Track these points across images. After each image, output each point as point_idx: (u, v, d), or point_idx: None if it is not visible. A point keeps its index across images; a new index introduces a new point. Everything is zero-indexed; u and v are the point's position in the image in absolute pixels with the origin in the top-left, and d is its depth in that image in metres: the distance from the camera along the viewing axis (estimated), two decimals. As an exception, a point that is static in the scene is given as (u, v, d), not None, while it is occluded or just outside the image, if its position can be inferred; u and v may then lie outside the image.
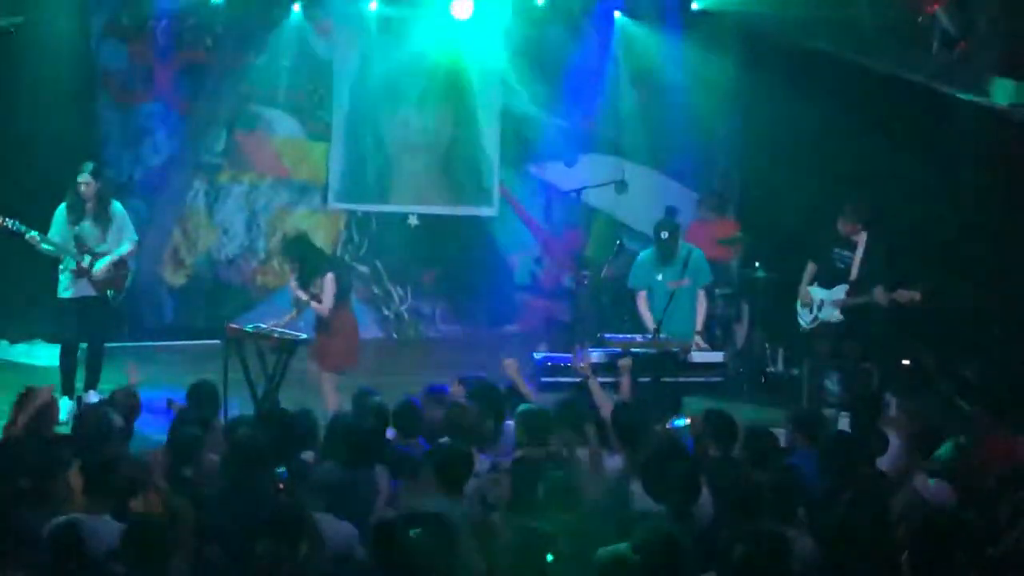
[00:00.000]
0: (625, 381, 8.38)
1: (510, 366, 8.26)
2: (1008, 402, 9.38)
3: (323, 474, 6.50)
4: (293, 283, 9.60)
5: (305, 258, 9.59)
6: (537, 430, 7.06)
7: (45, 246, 9.87)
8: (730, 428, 7.37)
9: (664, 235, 9.98)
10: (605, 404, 7.83)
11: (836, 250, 10.29)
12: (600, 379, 8.34)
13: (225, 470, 6.56)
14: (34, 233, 9.81)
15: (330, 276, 9.51)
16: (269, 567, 5.25)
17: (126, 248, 10.09)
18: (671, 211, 12.14)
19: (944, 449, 7.20)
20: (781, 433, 7.61)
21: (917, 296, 9.90)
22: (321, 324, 9.56)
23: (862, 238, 10.20)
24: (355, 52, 13.28)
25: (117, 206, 10.16)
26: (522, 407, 7.35)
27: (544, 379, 9.13)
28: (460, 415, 7.27)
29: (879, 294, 9.98)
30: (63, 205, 9.97)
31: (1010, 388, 10.25)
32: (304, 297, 9.49)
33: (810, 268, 10.44)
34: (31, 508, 5.98)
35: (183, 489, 6.33)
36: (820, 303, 10.29)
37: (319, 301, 9.44)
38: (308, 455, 6.97)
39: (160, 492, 6.22)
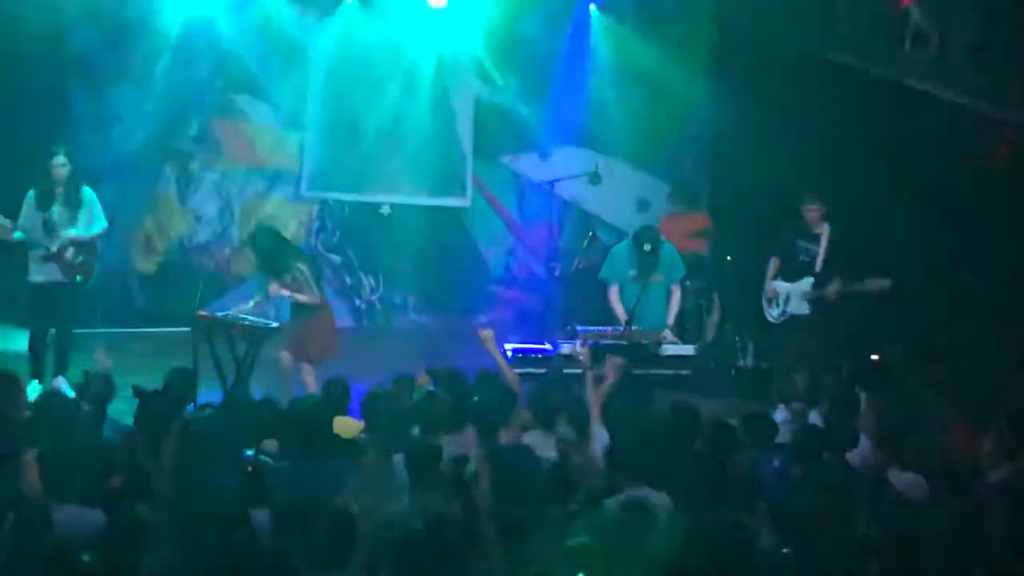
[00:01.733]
0: (611, 377, 8.39)
1: (487, 337, 8.26)
2: (975, 396, 9.43)
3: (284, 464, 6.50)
4: (274, 287, 9.53)
5: (274, 252, 9.59)
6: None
7: (16, 233, 9.82)
8: (694, 421, 7.43)
9: (647, 247, 10.00)
10: (596, 397, 7.82)
11: (800, 243, 10.32)
12: (566, 370, 8.37)
13: (183, 457, 6.54)
14: (3, 218, 9.76)
15: (303, 267, 9.52)
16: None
17: (94, 231, 10.04)
18: (644, 205, 12.16)
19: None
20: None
21: (887, 283, 9.95)
22: (300, 314, 9.55)
23: (824, 230, 10.24)
24: (330, 40, 13.24)
25: (87, 191, 10.12)
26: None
27: (516, 370, 9.12)
28: (429, 405, 7.25)
29: (831, 291, 10.01)
30: (32, 191, 9.92)
31: (977, 383, 10.31)
32: (287, 294, 9.49)
33: (774, 263, 10.47)
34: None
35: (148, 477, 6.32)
36: (787, 297, 10.32)
37: (301, 292, 9.46)
38: (271, 444, 6.96)
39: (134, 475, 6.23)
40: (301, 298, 9.50)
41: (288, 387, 9.36)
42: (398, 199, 13.74)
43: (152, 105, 12.66)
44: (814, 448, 7.03)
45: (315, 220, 13.63)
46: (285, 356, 9.56)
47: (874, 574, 5.53)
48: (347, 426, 7.43)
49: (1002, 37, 11.31)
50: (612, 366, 8.54)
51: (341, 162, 13.55)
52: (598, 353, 9.11)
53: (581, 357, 8.38)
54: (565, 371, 9.33)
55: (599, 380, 8.27)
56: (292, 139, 13.46)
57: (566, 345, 9.19)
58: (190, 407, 7.89)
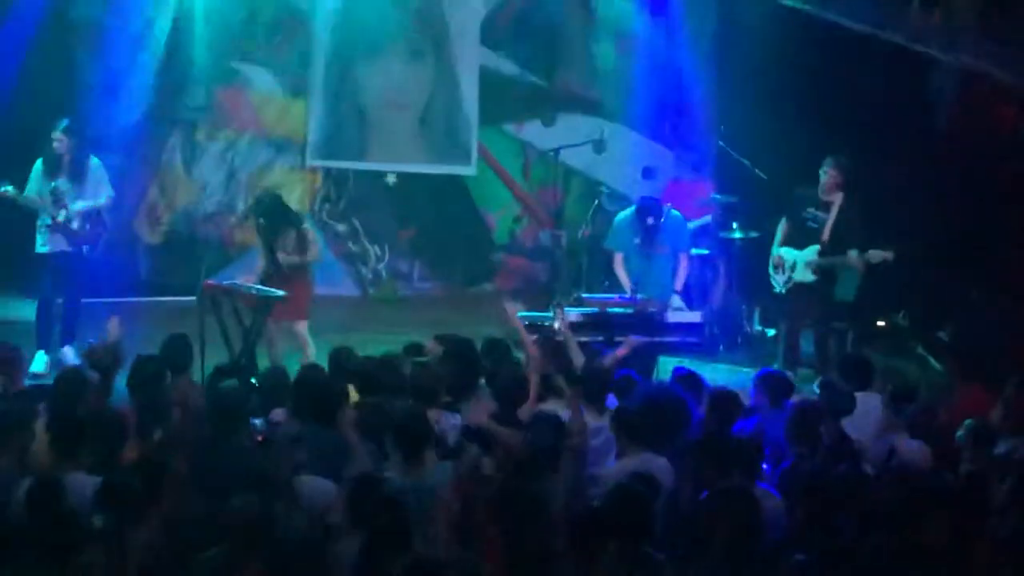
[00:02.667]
0: (621, 353, 8.40)
1: (511, 310, 8.25)
2: (980, 361, 9.44)
3: (294, 433, 6.51)
4: (282, 256, 9.55)
5: (276, 215, 9.63)
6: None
7: (21, 201, 9.83)
8: (697, 387, 7.44)
9: (650, 220, 9.99)
10: (579, 361, 7.86)
11: (810, 210, 10.29)
12: (579, 338, 8.38)
13: (204, 424, 6.57)
14: (9, 188, 9.77)
15: (307, 228, 9.66)
16: (244, 524, 5.27)
17: (102, 201, 10.05)
18: (649, 172, 12.14)
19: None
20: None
21: (889, 256, 9.94)
22: (283, 278, 9.54)
23: (838, 199, 10.20)
24: (334, 7, 13.19)
25: (95, 161, 10.13)
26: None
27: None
28: (422, 375, 7.23)
29: (853, 259, 10.00)
30: (39, 161, 9.93)
31: (982, 347, 10.32)
32: (297, 259, 9.51)
33: (784, 227, 10.44)
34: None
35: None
36: (793, 264, 10.31)
37: (305, 253, 9.51)
38: (279, 413, 6.98)
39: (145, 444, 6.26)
40: (308, 258, 9.55)
41: (277, 351, 9.40)
42: (403, 168, 13.72)
43: (156, 74, 12.63)
44: (805, 418, 7.01)
45: (320, 189, 13.61)
46: (273, 323, 9.58)
47: (880, 542, 5.54)
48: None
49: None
50: (628, 344, 8.53)
51: (346, 131, 13.52)
52: (604, 321, 9.12)
53: (558, 325, 8.40)
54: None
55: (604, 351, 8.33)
56: (297, 108, 13.44)
57: (572, 313, 9.18)
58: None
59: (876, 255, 9.94)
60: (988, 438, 6.91)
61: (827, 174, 10.11)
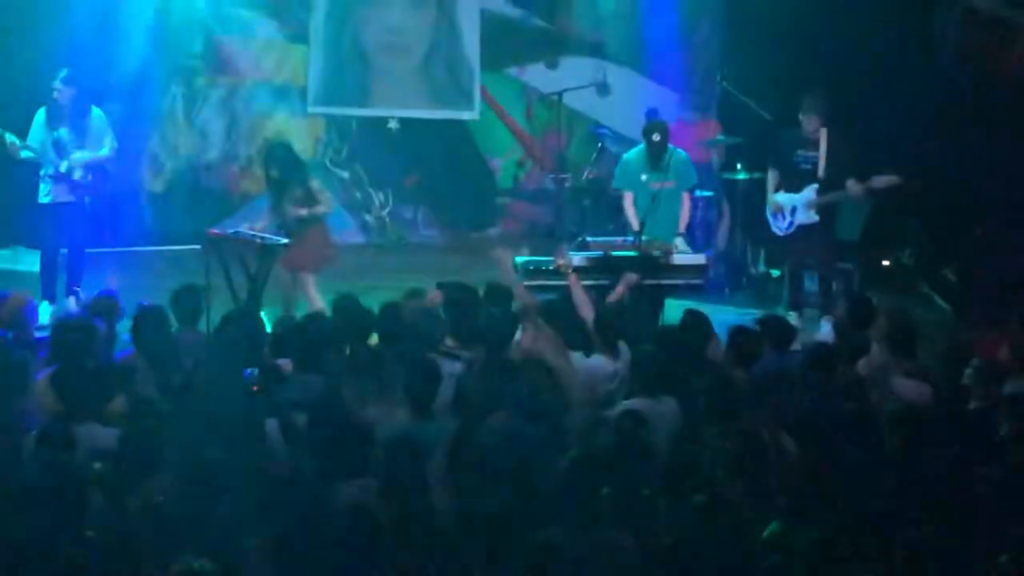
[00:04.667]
0: (620, 291, 8.41)
1: (504, 257, 8.27)
2: (987, 300, 9.43)
3: (300, 383, 6.53)
4: (291, 209, 9.52)
5: (287, 167, 9.60)
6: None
7: (24, 152, 9.82)
8: (706, 329, 7.45)
9: (656, 137, 9.96)
10: (585, 305, 7.88)
11: (799, 152, 10.25)
12: (584, 282, 8.39)
13: (203, 373, 6.59)
14: (13, 138, 9.75)
15: (315, 181, 9.65)
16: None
17: (103, 152, 10.04)
18: (652, 113, 12.07)
19: None
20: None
21: (895, 179, 9.91)
22: (292, 229, 9.54)
23: (823, 135, 10.16)
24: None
25: (96, 112, 10.11)
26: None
27: (527, 283, 9.11)
28: (423, 320, 7.23)
29: (852, 186, 9.98)
30: (41, 110, 9.92)
31: (989, 286, 10.31)
32: (305, 213, 9.50)
33: (772, 176, 10.42)
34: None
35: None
36: (792, 208, 10.28)
37: (316, 205, 9.50)
38: (285, 362, 6.99)
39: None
40: (320, 209, 9.54)
41: (290, 302, 9.41)
42: (406, 113, 13.66)
43: (156, 21, 12.56)
44: (827, 358, 7.02)
45: (322, 136, 13.56)
46: (285, 274, 9.58)
47: (887, 487, 5.56)
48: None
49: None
50: (625, 281, 8.54)
51: (347, 76, 13.45)
52: (609, 264, 9.11)
53: (560, 263, 8.45)
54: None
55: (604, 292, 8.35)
56: (297, 54, 13.36)
57: (577, 257, 9.17)
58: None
59: (880, 180, 9.92)
60: (996, 376, 6.91)
61: (806, 117, 10.08)
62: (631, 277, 8.61)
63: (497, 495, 5.22)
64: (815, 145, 10.16)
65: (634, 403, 6.49)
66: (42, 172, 9.91)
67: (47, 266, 10.00)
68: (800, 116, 10.14)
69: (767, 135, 11.16)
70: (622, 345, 7.33)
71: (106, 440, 5.84)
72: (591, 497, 5.19)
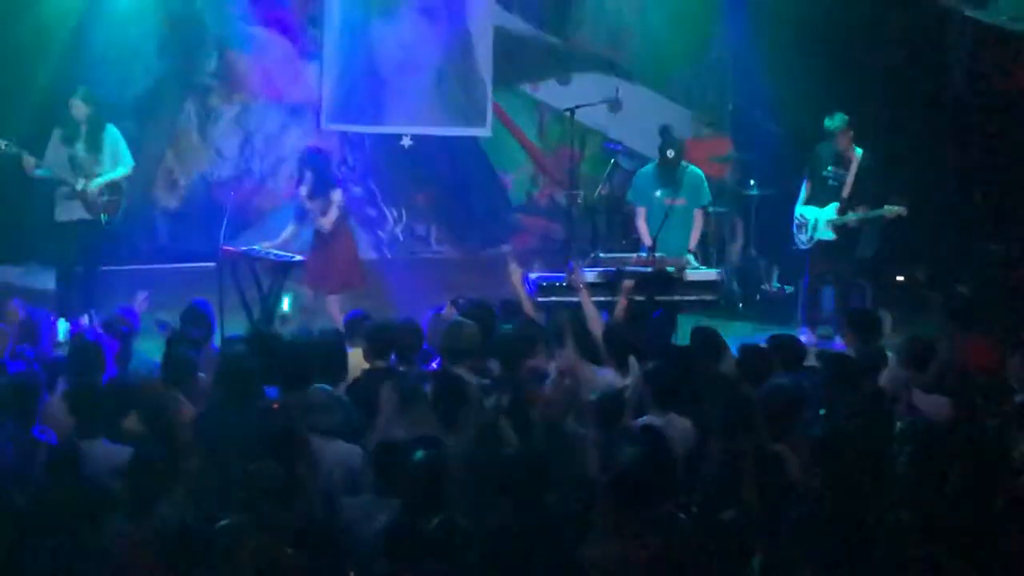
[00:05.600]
0: (623, 301, 8.42)
1: (514, 272, 8.29)
2: (998, 315, 9.41)
3: (319, 396, 6.52)
4: (303, 190, 9.57)
5: (320, 170, 9.64)
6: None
7: (39, 170, 9.86)
8: (717, 345, 7.44)
9: (671, 153, 9.98)
10: (595, 319, 7.89)
11: (831, 167, 10.27)
12: (595, 298, 8.41)
13: (217, 389, 6.59)
14: (29, 156, 9.79)
15: (338, 192, 9.59)
16: (264, 488, 5.29)
17: (121, 172, 10.08)
18: (667, 129, 12.08)
19: None
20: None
21: (903, 211, 9.95)
22: (321, 246, 9.57)
23: (855, 155, 10.18)
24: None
25: (111, 130, 10.15)
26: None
27: (540, 299, 9.12)
28: (457, 334, 7.23)
29: (851, 219, 10.06)
30: (57, 127, 9.96)
31: (1001, 302, 10.29)
32: (311, 207, 9.52)
33: (806, 187, 10.43)
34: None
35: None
36: (814, 223, 10.28)
37: (324, 214, 9.50)
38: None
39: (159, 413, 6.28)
40: (320, 219, 9.55)
41: (312, 320, 9.41)
42: (419, 130, 13.68)
43: (170, 39, 12.60)
44: (846, 373, 7.00)
45: (336, 153, 13.58)
46: (310, 291, 9.60)
47: (902, 499, 5.54)
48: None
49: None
50: (624, 289, 8.55)
51: (360, 94, 13.47)
52: (622, 280, 9.10)
53: (573, 277, 8.48)
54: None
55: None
56: (311, 71, 13.39)
57: (589, 273, 9.17)
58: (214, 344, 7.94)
59: (890, 211, 9.96)
60: (1006, 390, 6.90)
61: (841, 134, 10.09)
62: (628, 284, 8.63)
63: (512, 511, 5.22)
64: (847, 163, 10.17)
65: (648, 419, 6.47)
66: (57, 190, 9.95)
67: (62, 284, 10.02)
68: (834, 131, 10.12)
69: (782, 151, 11.16)
70: (632, 360, 7.32)
71: (119, 457, 5.84)
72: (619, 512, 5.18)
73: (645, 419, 6.47)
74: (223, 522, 5.16)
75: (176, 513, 5.27)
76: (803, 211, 10.37)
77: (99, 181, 9.90)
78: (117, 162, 10.07)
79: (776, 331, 8.60)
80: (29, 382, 6.44)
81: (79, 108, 9.87)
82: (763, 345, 7.50)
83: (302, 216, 9.74)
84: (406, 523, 5.13)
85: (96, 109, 10.00)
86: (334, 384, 6.67)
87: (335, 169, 10.14)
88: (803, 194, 10.44)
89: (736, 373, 7.22)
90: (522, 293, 8.25)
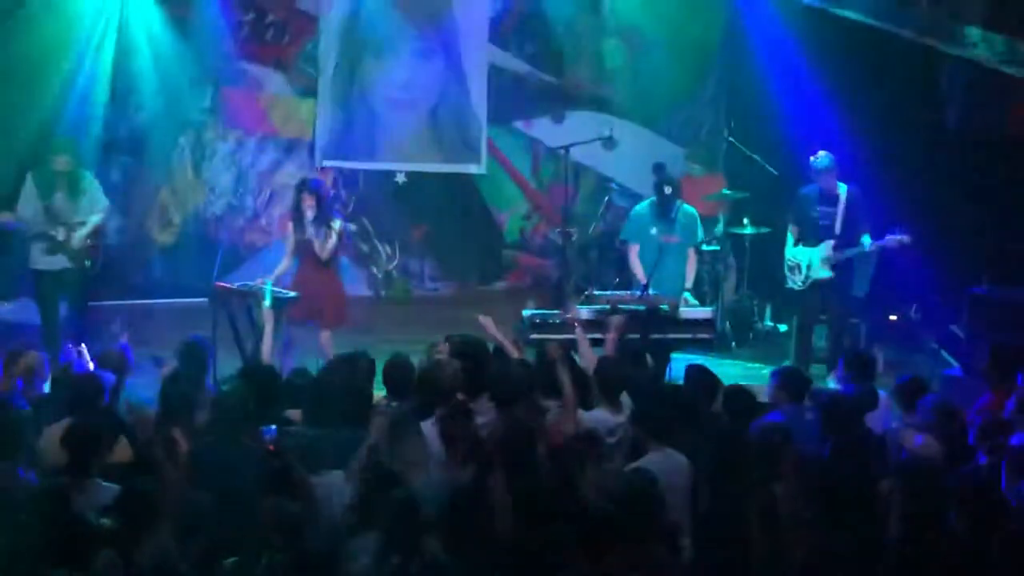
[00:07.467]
0: (612, 338, 8.41)
1: (487, 323, 8.31)
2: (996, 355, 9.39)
3: (309, 436, 6.50)
4: (309, 212, 9.54)
5: (322, 197, 9.65)
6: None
7: (14, 224, 9.75)
8: (711, 384, 7.43)
9: (668, 189, 10.00)
10: (590, 358, 7.87)
11: (819, 207, 10.27)
12: (589, 336, 8.40)
13: (212, 428, 6.57)
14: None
15: (338, 222, 9.67)
16: (273, 524, 5.28)
17: (97, 218, 9.93)
18: (661, 167, 12.11)
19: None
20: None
21: (907, 239, 9.95)
22: (317, 282, 9.55)
23: (841, 191, 10.19)
24: (342, 7, 13.19)
25: (88, 176, 10.04)
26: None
27: (533, 336, 9.11)
28: (435, 372, 7.21)
29: (869, 246, 10.06)
30: (29, 176, 9.81)
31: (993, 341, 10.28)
32: (311, 233, 9.50)
33: (793, 230, 10.43)
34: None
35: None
36: (808, 264, 10.27)
37: (323, 242, 9.49)
38: (294, 414, 6.97)
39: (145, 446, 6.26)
40: (317, 245, 9.52)
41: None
42: (413, 167, 13.71)
43: (165, 75, 12.61)
44: (839, 412, 6.99)
45: (330, 189, 13.59)
46: (297, 323, 9.57)
47: (895, 537, 5.52)
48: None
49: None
50: (614, 327, 8.53)
51: (355, 131, 13.51)
52: (614, 315, 9.10)
53: (569, 317, 8.47)
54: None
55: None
56: (305, 108, 13.43)
57: (584, 311, 9.16)
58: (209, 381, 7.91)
59: (892, 240, 9.96)
60: (1003, 430, 6.88)
61: (825, 174, 10.11)
62: (618, 320, 8.62)
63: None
64: (834, 201, 10.18)
65: (644, 460, 6.45)
66: (33, 242, 9.77)
67: (47, 326, 9.90)
68: (821, 170, 10.14)
69: (776, 190, 11.18)
70: (624, 398, 7.30)
71: (109, 494, 5.82)
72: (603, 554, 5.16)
73: (643, 460, 6.45)
74: (230, 559, 5.14)
75: (165, 549, 5.24)
76: (793, 253, 10.35)
77: (83, 233, 9.78)
78: (93, 206, 9.94)
79: (769, 369, 8.61)
80: (19, 418, 6.41)
81: (62, 163, 9.77)
82: (746, 386, 7.49)
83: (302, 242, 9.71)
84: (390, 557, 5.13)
85: (76, 157, 9.93)
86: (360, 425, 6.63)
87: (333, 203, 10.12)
88: (790, 238, 10.44)
89: (725, 412, 7.20)
90: (500, 338, 8.24)
